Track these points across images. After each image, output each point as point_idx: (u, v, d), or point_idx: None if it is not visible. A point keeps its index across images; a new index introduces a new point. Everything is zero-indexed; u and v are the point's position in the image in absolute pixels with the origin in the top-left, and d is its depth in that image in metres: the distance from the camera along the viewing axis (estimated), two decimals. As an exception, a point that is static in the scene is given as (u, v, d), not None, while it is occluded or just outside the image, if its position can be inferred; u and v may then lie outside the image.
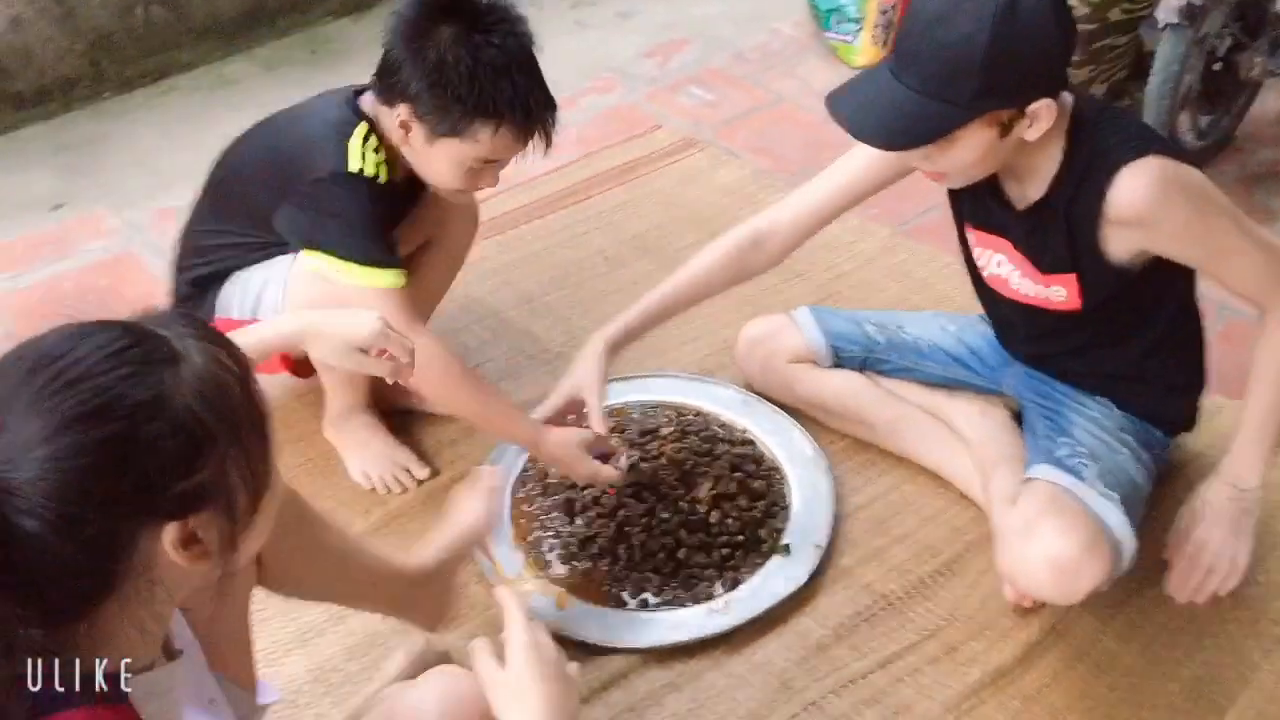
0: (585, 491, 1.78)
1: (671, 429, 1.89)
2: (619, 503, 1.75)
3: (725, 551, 1.71)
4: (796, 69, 3.09)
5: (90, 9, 2.94)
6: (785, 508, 1.79)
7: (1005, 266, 1.63)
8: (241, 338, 1.28)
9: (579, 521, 1.75)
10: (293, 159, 1.65)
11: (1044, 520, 1.50)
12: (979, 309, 1.82)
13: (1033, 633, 1.62)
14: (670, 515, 1.73)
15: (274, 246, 1.72)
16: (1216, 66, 2.48)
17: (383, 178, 1.64)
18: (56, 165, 2.77)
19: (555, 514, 1.77)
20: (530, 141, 1.63)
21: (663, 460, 1.81)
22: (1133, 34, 2.39)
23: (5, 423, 0.77)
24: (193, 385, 0.82)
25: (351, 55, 3.12)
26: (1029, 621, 1.63)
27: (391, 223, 1.72)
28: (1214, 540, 1.55)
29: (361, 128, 1.63)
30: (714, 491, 1.77)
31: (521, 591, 1.65)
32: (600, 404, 1.64)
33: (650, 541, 1.70)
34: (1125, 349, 1.64)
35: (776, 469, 1.85)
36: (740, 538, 1.73)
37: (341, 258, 1.61)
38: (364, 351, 1.40)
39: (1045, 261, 1.56)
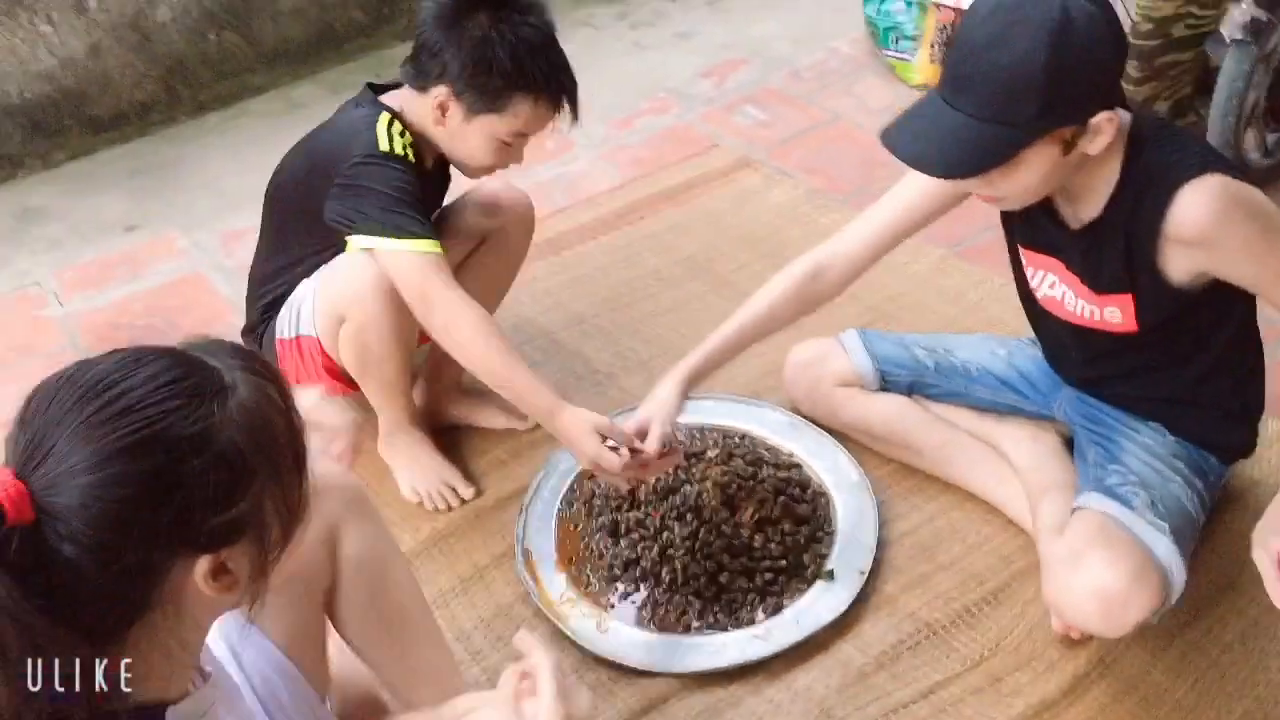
0: (630, 513, 1.79)
1: (717, 452, 1.89)
2: (663, 525, 1.76)
3: (768, 576, 1.71)
4: (853, 87, 3.08)
5: (166, 35, 3.04)
6: (830, 533, 1.79)
7: (1059, 288, 1.61)
8: None
9: (623, 544, 1.76)
10: (329, 155, 1.75)
11: (1091, 551, 1.47)
12: (1030, 333, 1.80)
13: (1080, 664, 1.59)
14: (713, 539, 1.73)
15: (328, 251, 1.78)
16: (1284, 83, 2.42)
17: (411, 159, 1.75)
18: (130, 188, 2.87)
19: (599, 535, 1.79)
20: (559, 114, 1.77)
21: (708, 483, 1.82)
22: (1197, 50, 2.35)
23: (53, 447, 0.79)
24: (238, 420, 0.84)
25: (415, 78, 3.18)
26: (1076, 653, 1.60)
27: (423, 205, 1.78)
28: None
29: (385, 116, 1.75)
30: (758, 516, 1.77)
31: (562, 615, 1.67)
32: (661, 430, 1.62)
33: (693, 565, 1.71)
34: (1180, 373, 1.61)
35: (822, 493, 1.85)
36: (783, 562, 1.72)
37: (381, 231, 1.68)
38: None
39: (1101, 282, 1.53)
